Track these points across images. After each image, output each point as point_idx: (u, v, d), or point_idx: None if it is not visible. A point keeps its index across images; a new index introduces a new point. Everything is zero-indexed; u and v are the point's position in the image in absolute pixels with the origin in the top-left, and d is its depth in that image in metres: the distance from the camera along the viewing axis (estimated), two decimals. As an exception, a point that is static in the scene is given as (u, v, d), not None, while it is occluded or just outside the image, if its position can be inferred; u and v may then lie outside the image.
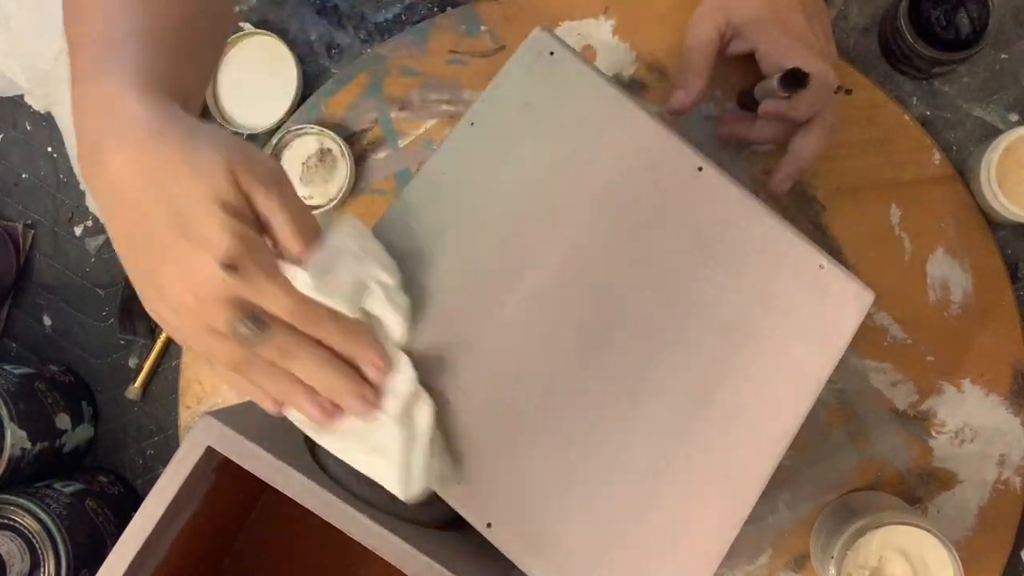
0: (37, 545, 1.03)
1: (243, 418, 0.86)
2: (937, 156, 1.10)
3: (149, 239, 0.65)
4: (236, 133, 1.18)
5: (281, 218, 0.67)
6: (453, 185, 0.83)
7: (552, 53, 0.83)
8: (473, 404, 0.80)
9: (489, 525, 0.80)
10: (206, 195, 0.64)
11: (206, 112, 1.17)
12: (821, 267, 0.81)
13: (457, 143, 0.83)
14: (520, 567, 0.80)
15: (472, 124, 0.83)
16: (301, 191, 1.13)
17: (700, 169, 0.82)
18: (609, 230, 0.82)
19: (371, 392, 0.73)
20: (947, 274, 1.10)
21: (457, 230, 0.82)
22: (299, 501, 0.82)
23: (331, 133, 1.12)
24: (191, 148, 0.65)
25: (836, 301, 0.81)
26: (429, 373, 0.79)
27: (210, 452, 0.82)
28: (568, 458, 0.79)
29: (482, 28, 1.14)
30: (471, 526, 0.81)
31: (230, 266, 0.64)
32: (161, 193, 0.64)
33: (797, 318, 0.81)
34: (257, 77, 1.17)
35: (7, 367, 1.12)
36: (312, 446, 0.91)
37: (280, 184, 0.68)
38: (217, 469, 0.88)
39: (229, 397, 1.14)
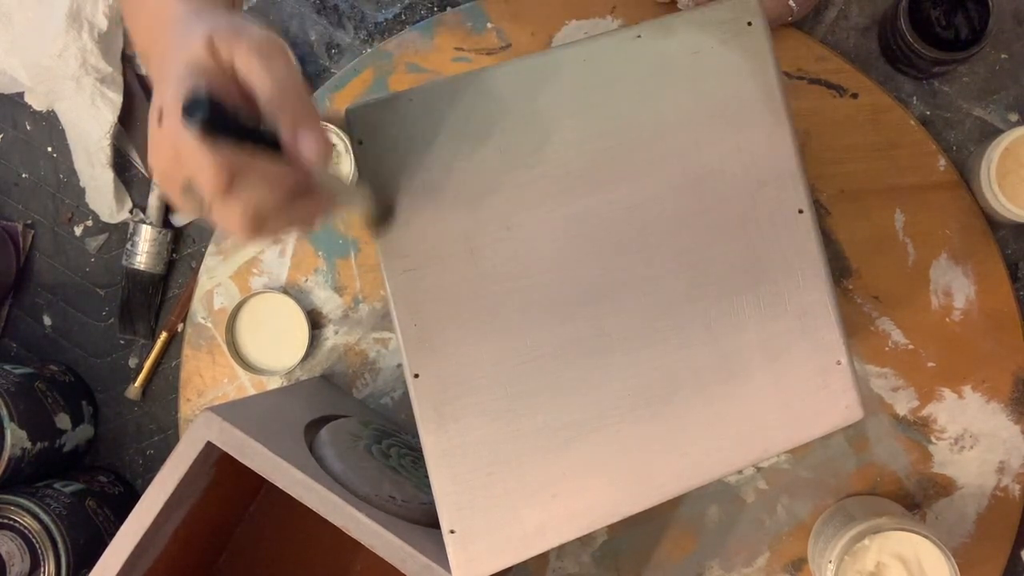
0: (37, 545, 1.02)
1: (243, 414, 0.86)
2: (942, 162, 1.10)
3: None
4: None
5: (255, 79, 0.65)
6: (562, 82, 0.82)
7: (750, 24, 0.82)
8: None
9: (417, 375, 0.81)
10: (181, 59, 0.64)
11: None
12: (838, 363, 0.82)
13: (600, 48, 0.83)
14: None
15: (639, 36, 0.82)
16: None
17: (801, 212, 0.82)
18: (682, 208, 0.82)
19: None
20: (950, 280, 1.10)
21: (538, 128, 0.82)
22: (297, 498, 0.82)
23: (335, 128, 1.12)
24: (187, 27, 0.67)
25: (829, 399, 0.82)
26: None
27: (210, 447, 0.82)
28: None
29: (488, 25, 1.14)
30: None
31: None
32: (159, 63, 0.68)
33: (788, 389, 0.82)
34: (258, 77, 1.16)
35: (7, 367, 1.12)
36: (312, 443, 0.91)
37: (261, 51, 0.65)
38: (216, 464, 0.88)
39: (229, 392, 1.14)
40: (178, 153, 0.64)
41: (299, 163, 0.66)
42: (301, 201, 0.68)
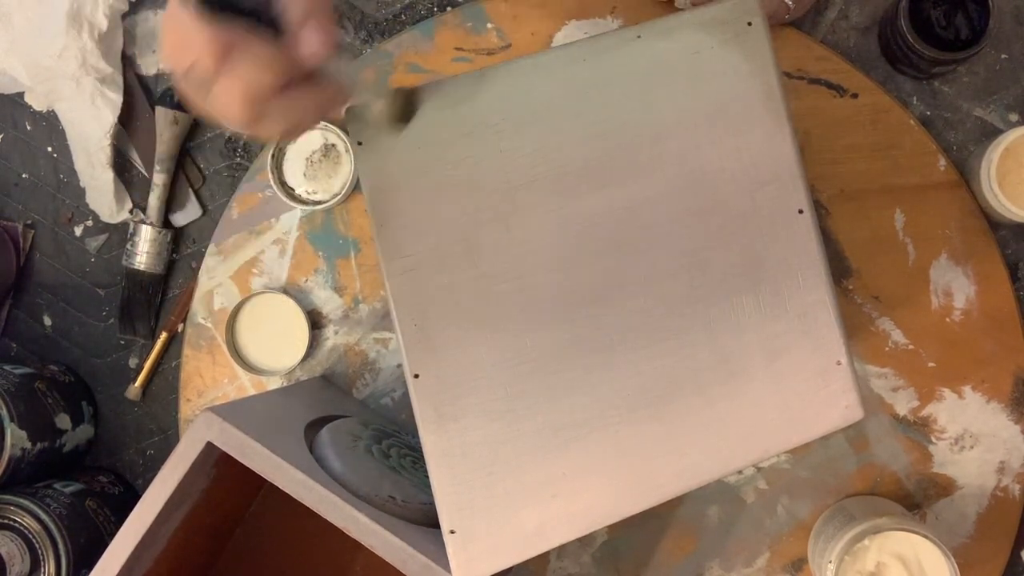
0: (37, 545, 1.02)
1: (243, 414, 0.86)
2: (942, 162, 1.10)
3: None
4: (236, 134, 1.18)
5: None
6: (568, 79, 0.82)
7: (750, 24, 0.82)
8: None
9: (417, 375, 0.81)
10: None
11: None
12: (839, 363, 0.82)
13: (600, 48, 0.83)
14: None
15: (639, 37, 0.82)
16: (305, 186, 1.13)
17: (801, 212, 0.82)
18: (682, 208, 0.82)
19: None
20: (950, 280, 1.09)
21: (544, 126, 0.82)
22: (297, 498, 0.82)
23: (336, 128, 1.12)
24: None
25: (829, 398, 0.82)
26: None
27: (210, 447, 0.82)
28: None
29: (488, 26, 1.14)
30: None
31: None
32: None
33: (788, 390, 0.82)
34: (258, 77, 1.16)
35: (7, 367, 1.12)
36: (312, 443, 0.91)
37: None
38: (217, 464, 0.88)
39: (229, 392, 1.14)
40: (181, 34, 0.62)
41: (298, 51, 0.64)
42: (305, 90, 0.66)
